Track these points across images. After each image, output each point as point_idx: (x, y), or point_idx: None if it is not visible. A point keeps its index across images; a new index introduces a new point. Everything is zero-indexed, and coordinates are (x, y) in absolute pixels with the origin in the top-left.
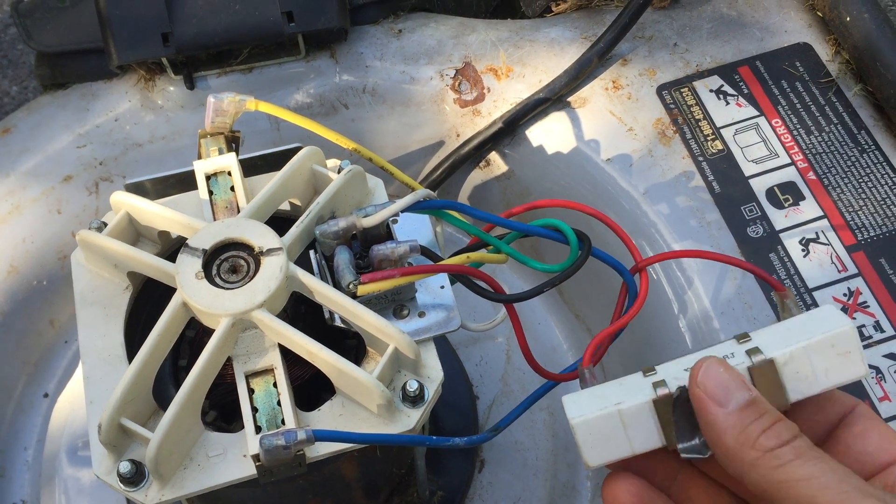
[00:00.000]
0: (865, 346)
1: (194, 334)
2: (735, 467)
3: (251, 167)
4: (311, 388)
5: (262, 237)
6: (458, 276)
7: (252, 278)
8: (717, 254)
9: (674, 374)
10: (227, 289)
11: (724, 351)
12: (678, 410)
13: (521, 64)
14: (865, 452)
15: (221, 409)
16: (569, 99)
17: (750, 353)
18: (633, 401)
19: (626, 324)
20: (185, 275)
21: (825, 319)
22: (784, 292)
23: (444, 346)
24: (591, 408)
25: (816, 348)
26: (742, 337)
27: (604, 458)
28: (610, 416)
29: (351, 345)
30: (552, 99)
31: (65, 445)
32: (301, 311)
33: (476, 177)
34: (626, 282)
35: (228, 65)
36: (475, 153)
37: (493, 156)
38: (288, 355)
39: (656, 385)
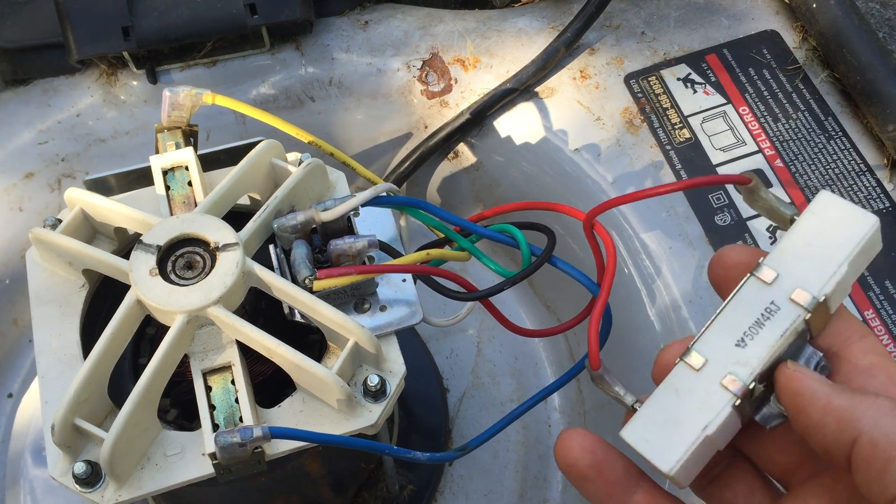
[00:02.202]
0: None
1: (155, 332)
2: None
3: (213, 161)
4: (274, 385)
5: (218, 232)
6: (419, 275)
7: (208, 274)
8: (663, 186)
9: (727, 359)
10: (182, 285)
11: (761, 300)
12: (757, 397)
13: (489, 54)
14: (868, 389)
15: (183, 407)
16: (536, 89)
17: (794, 300)
18: (716, 416)
19: (606, 299)
20: (139, 271)
21: (842, 218)
22: (752, 183)
23: (414, 338)
24: (672, 442)
25: (855, 261)
26: (759, 270)
27: (695, 474)
28: (702, 444)
29: (315, 340)
30: (520, 89)
31: (29, 445)
32: (261, 307)
33: (445, 168)
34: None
35: (192, 58)
36: (443, 145)
37: (462, 147)
38: (250, 352)
39: (726, 385)
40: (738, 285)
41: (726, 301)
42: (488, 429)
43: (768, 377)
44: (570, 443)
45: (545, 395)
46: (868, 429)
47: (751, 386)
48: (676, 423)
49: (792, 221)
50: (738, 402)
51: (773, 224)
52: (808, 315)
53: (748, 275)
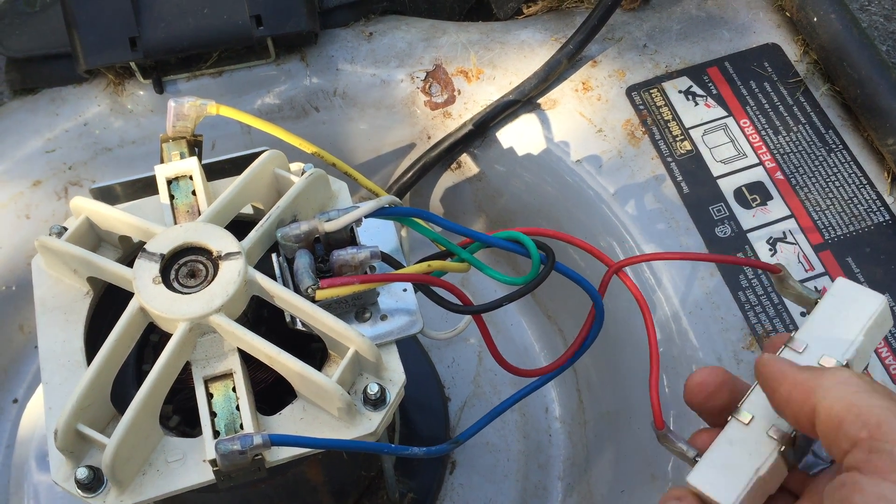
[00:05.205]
0: None
1: (158, 339)
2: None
3: (217, 171)
4: (275, 392)
5: (221, 241)
6: (418, 285)
7: (210, 283)
8: (694, 254)
9: (770, 415)
10: (185, 293)
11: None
12: (800, 447)
13: (492, 66)
14: None
15: (185, 414)
16: (539, 101)
17: (822, 364)
18: (765, 460)
19: (657, 370)
20: (142, 279)
21: (856, 299)
22: (780, 273)
23: (415, 347)
24: (731, 484)
25: (870, 333)
26: (793, 342)
27: (741, 501)
28: (755, 485)
29: (316, 348)
30: (522, 101)
31: (34, 451)
32: (263, 315)
33: (447, 179)
34: (590, 294)
35: (198, 69)
36: (446, 155)
37: (465, 158)
38: (251, 360)
39: (771, 435)
40: (777, 352)
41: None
42: (480, 419)
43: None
44: (701, 373)
45: (541, 384)
46: (824, 397)
47: (792, 434)
48: (733, 468)
49: (815, 303)
50: (783, 448)
51: (773, 237)
52: None
53: (783, 346)
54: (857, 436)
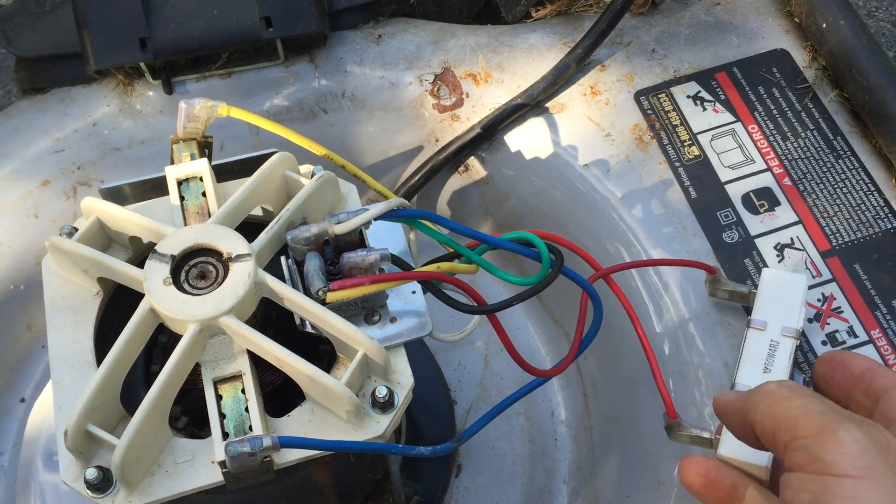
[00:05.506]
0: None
1: (167, 340)
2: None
3: (226, 172)
4: (283, 394)
5: (231, 243)
6: (429, 286)
7: (220, 284)
8: (644, 261)
9: (762, 380)
10: (195, 295)
11: (763, 344)
12: None
13: (500, 69)
14: None
15: (193, 415)
16: (547, 104)
17: (786, 334)
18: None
19: (657, 366)
20: (153, 281)
21: (785, 280)
22: (716, 274)
23: (422, 350)
24: (757, 451)
25: (804, 302)
26: (752, 323)
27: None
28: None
29: (324, 350)
30: (530, 104)
31: (41, 450)
32: (272, 317)
33: (455, 182)
34: (591, 298)
35: (207, 69)
36: (454, 158)
37: (472, 161)
38: (259, 361)
39: None
40: (744, 336)
41: (740, 350)
42: (480, 418)
43: None
44: (688, 467)
45: (540, 383)
46: (755, 415)
47: None
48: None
49: (751, 294)
50: None
51: (780, 243)
52: (798, 342)
53: (747, 328)
54: (784, 440)
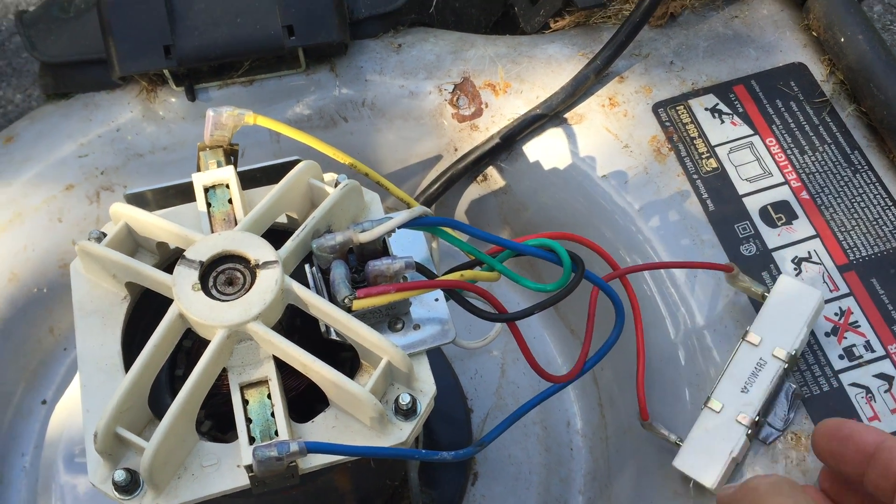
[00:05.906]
0: (856, 366)
1: (191, 344)
2: None
3: (250, 179)
4: (306, 399)
5: (258, 250)
6: (452, 294)
7: (248, 290)
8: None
9: (738, 402)
10: (223, 301)
11: (751, 361)
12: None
13: (519, 80)
14: None
15: (217, 419)
16: (565, 115)
17: (776, 356)
18: (737, 443)
19: (643, 362)
20: (182, 286)
21: (798, 295)
22: (733, 271)
23: (440, 358)
24: (711, 465)
25: (811, 322)
26: (748, 336)
27: (724, 482)
28: (729, 464)
29: (346, 357)
30: (549, 115)
31: (62, 452)
32: (296, 324)
33: (473, 191)
34: (613, 302)
35: (229, 77)
36: (472, 168)
37: (491, 170)
38: (283, 367)
39: (740, 421)
40: (735, 348)
41: (729, 360)
42: (500, 423)
43: (766, 411)
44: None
45: (557, 390)
46: None
47: (756, 419)
48: (710, 452)
49: (763, 296)
50: (750, 431)
51: (798, 256)
52: (787, 365)
53: (741, 340)
54: None
